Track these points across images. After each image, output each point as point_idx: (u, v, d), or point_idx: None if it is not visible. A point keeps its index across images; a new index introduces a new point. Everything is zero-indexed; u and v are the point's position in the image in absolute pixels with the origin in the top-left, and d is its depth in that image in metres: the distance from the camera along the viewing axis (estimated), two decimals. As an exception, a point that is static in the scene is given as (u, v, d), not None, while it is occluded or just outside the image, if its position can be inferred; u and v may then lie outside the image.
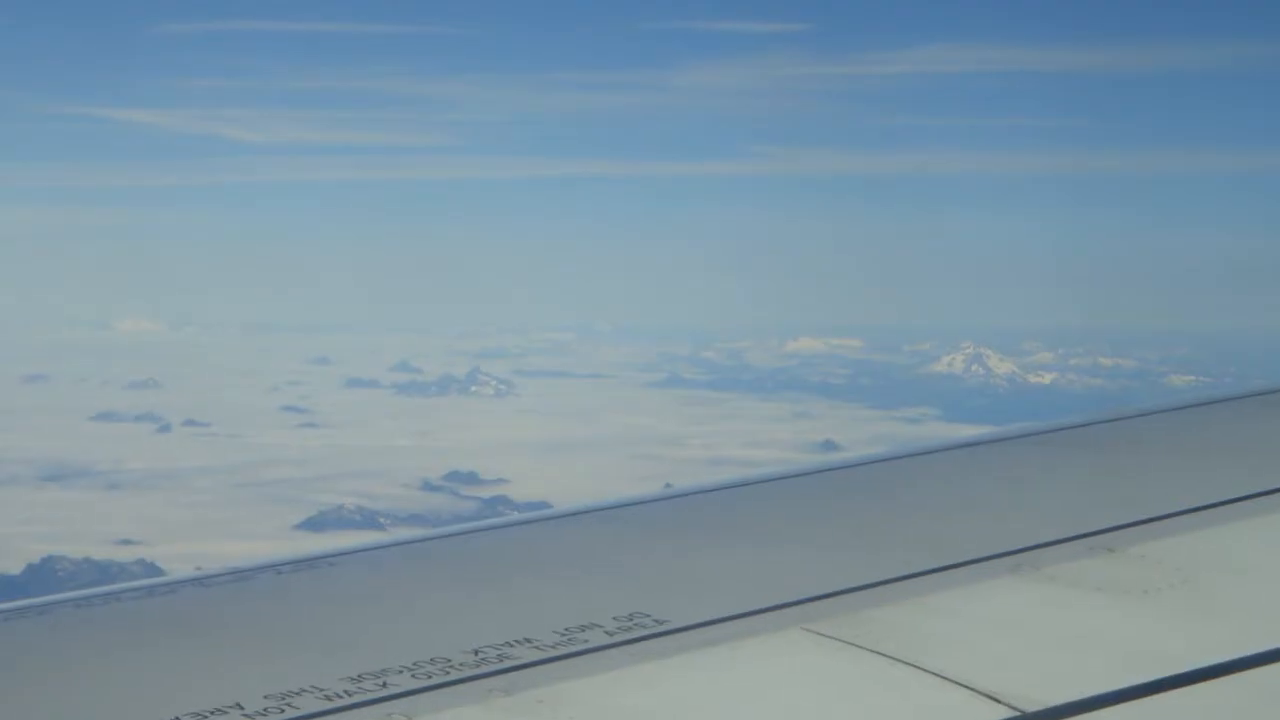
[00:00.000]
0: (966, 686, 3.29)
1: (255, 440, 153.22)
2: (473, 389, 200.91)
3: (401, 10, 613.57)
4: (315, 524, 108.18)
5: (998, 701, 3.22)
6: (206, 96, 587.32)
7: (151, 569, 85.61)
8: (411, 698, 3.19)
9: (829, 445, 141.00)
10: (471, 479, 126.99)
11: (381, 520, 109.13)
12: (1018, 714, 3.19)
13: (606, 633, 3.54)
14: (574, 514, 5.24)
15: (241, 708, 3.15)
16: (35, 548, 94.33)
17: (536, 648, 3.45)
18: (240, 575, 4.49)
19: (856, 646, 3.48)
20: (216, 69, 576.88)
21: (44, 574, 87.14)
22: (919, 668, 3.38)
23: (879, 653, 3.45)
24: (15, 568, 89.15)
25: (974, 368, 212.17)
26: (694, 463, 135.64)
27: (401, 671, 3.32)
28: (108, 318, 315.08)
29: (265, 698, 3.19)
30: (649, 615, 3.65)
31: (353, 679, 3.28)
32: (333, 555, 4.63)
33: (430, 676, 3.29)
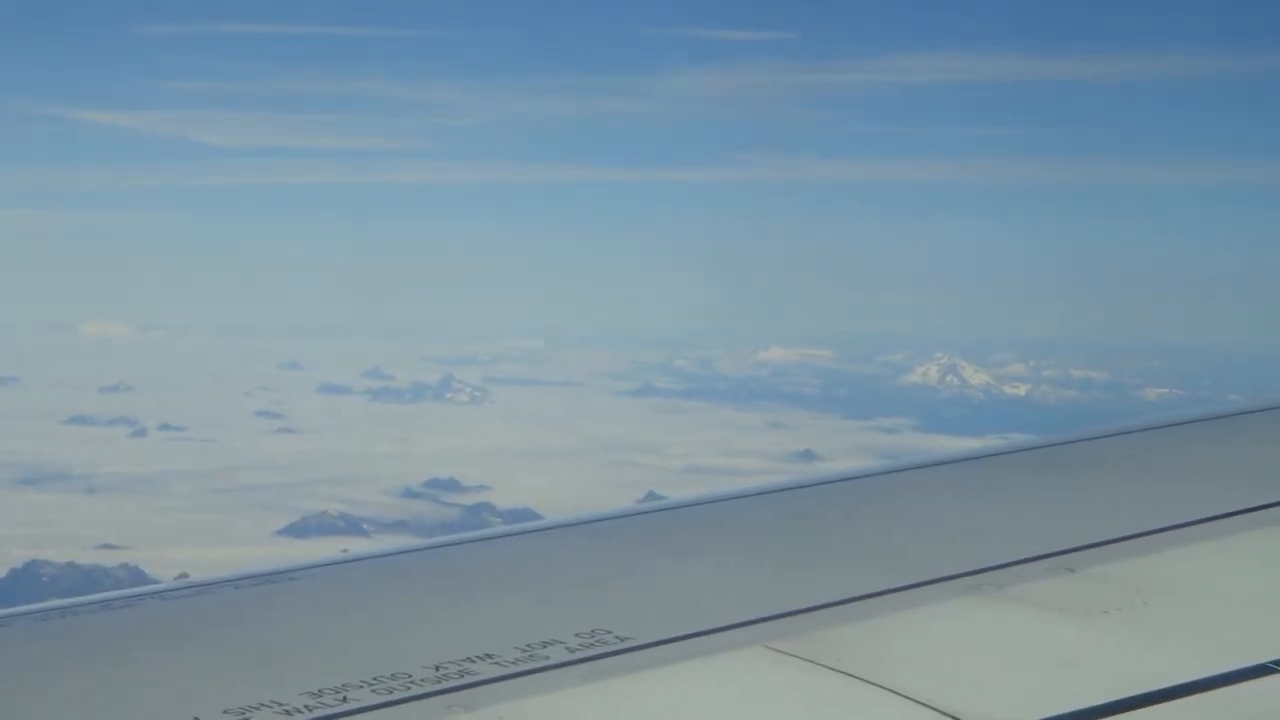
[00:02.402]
0: (928, 706, 3.30)
1: (232, 445, 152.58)
2: (447, 396, 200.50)
3: (378, 13, 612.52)
4: (298, 530, 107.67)
5: None
6: (179, 99, 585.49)
7: (136, 573, 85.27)
8: (372, 713, 3.19)
9: (808, 455, 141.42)
10: (452, 486, 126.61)
11: (365, 527, 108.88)
12: None
13: (568, 649, 3.54)
14: (538, 530, 5.24)
15: None
16: (17, 552, 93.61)
17: (498, 664, 3.44)
18: (199, 589, 4.46)
19: (819, 665, 3.49)
20: (188, 72, 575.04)
21: (27, 579, 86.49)
22: (881, 686, 3.39)
23: (841, 671, 3.46)
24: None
25: (948, 378, 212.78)
26: (674, 471, 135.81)
27: (362, 687, 3.31)
28: (73, 320, 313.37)
29: (224, 713, 3.18)
30: (611, 632, 3.65)
31: (313, 694, 3.27)
32: (293, 569, 4.60)
33: (391, 692, 3.28)
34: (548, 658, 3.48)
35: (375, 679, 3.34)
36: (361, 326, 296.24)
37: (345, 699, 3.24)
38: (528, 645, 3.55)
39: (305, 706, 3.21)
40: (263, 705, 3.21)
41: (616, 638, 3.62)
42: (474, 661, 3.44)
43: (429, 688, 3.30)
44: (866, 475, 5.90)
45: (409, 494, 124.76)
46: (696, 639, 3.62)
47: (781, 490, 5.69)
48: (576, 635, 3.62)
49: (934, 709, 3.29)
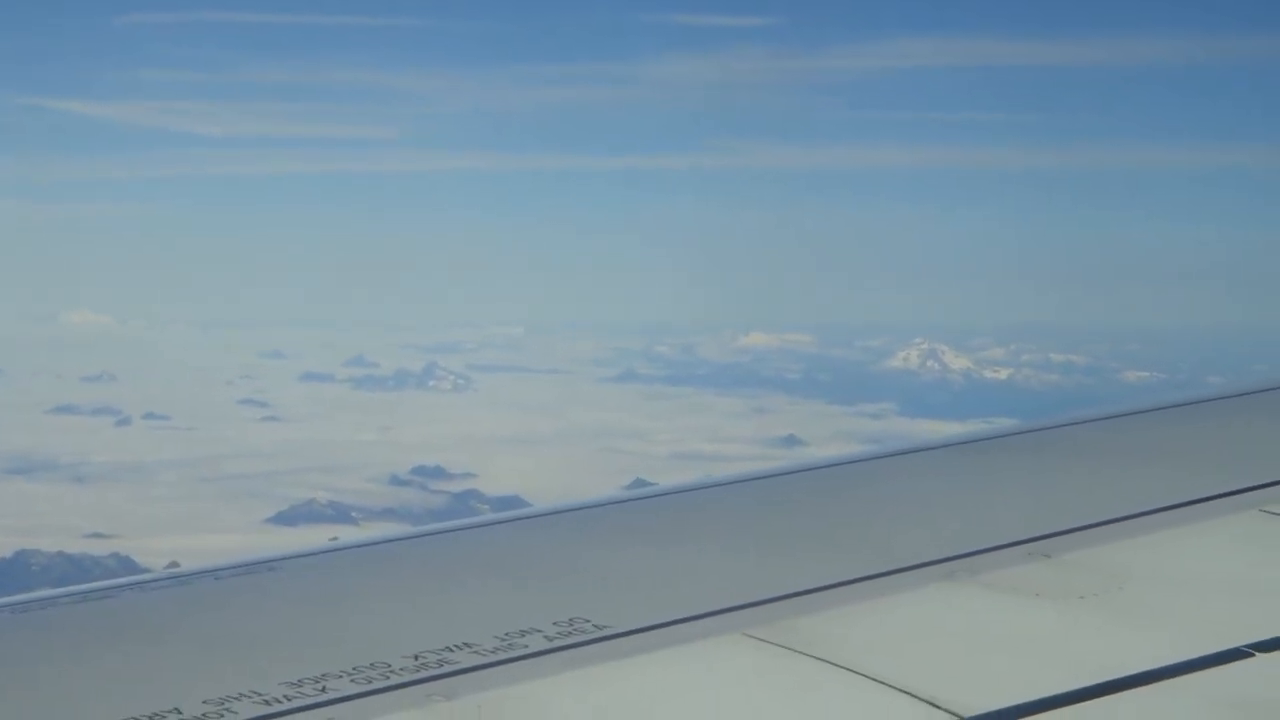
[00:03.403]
0: (905, 692, 3.34)
1: (217, 434, 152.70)
2: (431, 383, 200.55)
3: (360, 1, 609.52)
4: (287, 518, 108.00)
5: (935, 706, 3.28)
6: (159, 89, 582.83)
7: (127, 563, 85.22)
8: (351, 702, 3.22)
9: (792, 440, 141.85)
10: (439, 473, 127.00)
11: (354, 515, 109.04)
12: (955, 719, 3.26)
13: (546, 638, 3.57)
14: (518, 518, 5.31)
15: (179, 712, 3.17)
16: (6, 541, 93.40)
17: (477, 652, 3.47)
18: (180, 579, 4.50)
19: (796, 652, 3.52)
20: (168, 61, 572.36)
21: (17, 568, 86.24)
22: (858, 673, 3.42)
23: (819, 658, 3.49)
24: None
25: (929, 363, 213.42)
26: (660, 457, 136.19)
27: (341, 676, 3.34)
28: (53, 311, 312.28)
29: (204, 703, 3.21)
30: (589, 620, 3.69)
31: (292, 684, 3.29)
32: (275, 559, 4.62)
33: (370, 681, 3.32)
34: (526, 646, 3.52)
35: (355, 668, 3.38)
36: (343, 314, 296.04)
37: (325, 689, 3.28)
38: (506, 634, 3.58)
39: (285, 697, 3.24)
40: (242, 695, 3.25)
41: (594, 626, 3.66)
42: (453, 651, 3.48)
43: (408, 677, 3.34)
44: (845, 462, 5.91)
45: (396, 481, 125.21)
46: (674, 627, 3.66)
47: (761, 478, 5.69)
48: (555, 624, 3.66)
49: (912, 695, 3.33)
